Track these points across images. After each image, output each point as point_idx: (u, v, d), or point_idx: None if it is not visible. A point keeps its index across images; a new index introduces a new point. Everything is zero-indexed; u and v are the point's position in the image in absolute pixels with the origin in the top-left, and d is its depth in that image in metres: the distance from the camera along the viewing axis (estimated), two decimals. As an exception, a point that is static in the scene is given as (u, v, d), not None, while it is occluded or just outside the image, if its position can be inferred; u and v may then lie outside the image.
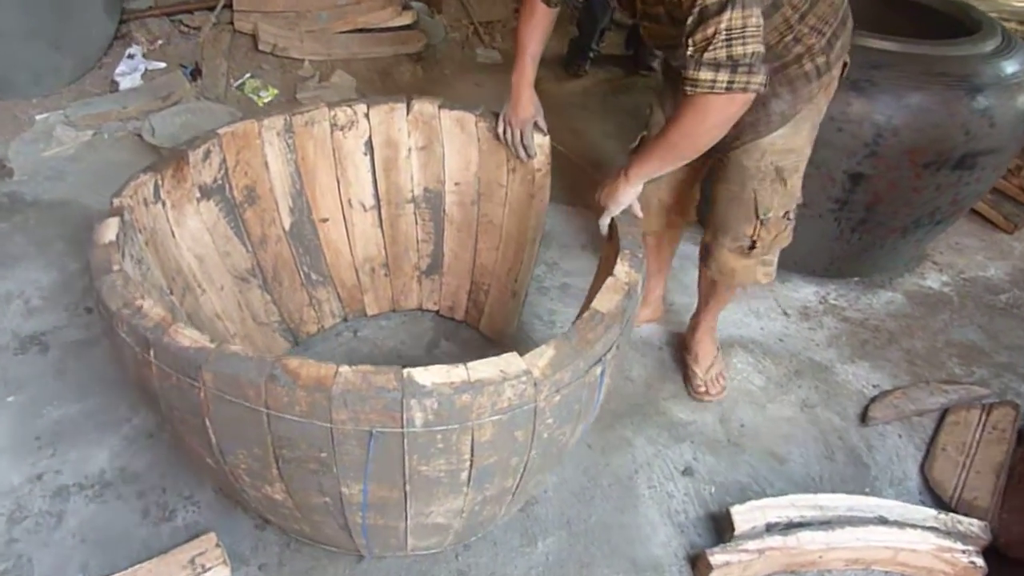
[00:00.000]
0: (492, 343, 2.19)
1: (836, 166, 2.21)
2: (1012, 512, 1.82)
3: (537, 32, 1.81)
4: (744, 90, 1.28)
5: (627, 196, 1.53)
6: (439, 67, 3.53)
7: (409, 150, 2.04)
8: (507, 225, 2.06)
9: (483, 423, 1.18)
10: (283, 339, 2.07)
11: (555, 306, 2.37)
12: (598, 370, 1.30)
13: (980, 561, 1.67)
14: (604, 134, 3.31)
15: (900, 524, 1.73)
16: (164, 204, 1.64)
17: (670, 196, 1.98)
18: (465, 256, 2.18)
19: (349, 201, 2.07)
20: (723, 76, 1.26)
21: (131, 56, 3.20)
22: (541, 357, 1.22)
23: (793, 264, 2.60)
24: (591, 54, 3.61)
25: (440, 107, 1.97)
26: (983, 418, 2.13)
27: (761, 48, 1.27)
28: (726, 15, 1.22)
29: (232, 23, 3.32)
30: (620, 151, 3.18)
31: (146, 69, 3.15)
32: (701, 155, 1.49)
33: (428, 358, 2.14)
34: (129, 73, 3.13)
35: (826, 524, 1.70)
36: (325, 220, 2.05)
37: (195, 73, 3.12)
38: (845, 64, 1.64)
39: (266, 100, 3.11)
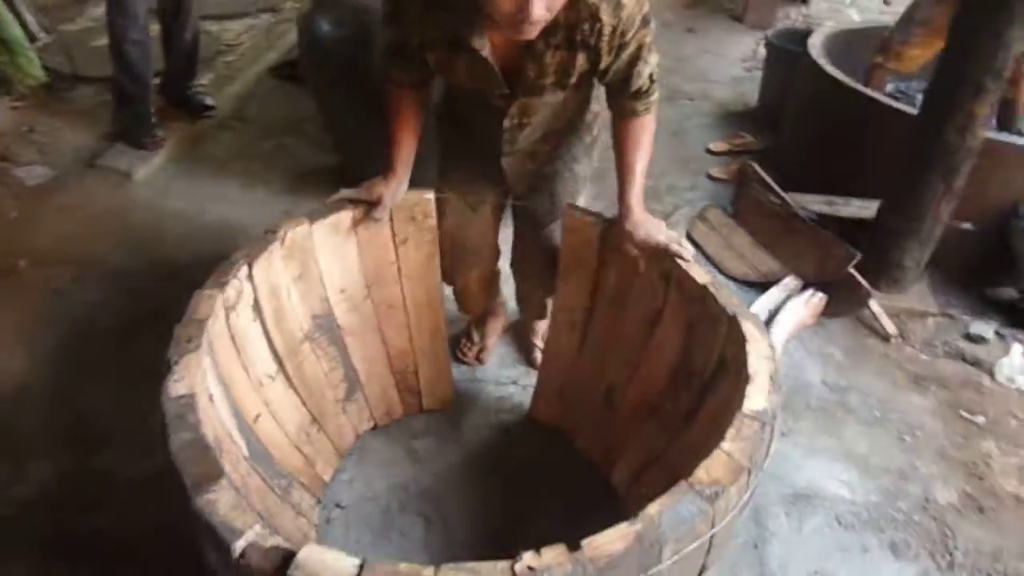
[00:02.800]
0: (446, 413, 2.09)
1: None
2: (786, 256, 2.66)
3: (408, 128, 1.68)
4: None
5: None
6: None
7: (288, 287, 1.71)
8: (411, 297, 1.94)
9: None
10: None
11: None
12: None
13: (820, 293, 2.46)
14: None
15: (780, 308, 2.40)
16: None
17: (487, 274, 2.06)
18: (377, 357, 1.97)
19: (260, 382, 1.66)
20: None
21: None
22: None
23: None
24: (153, 119, 3.09)
25: (311, 223, 1.69)
26: (700, 222, 2.93)
27: None
28: (652, 58, 1.52)
29: None
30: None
31: None
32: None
33: (426, 473, 1.93)
34: None
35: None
36: (257, 418, 1.62)
37: None
38: None
39: None
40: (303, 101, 3.66)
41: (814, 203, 2.78)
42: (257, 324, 1.64)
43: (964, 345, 2.42)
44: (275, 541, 1.06)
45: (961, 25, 2.19)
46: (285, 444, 1.74)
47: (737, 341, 1.45)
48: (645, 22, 1.44)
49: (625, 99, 1.57)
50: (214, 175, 3.07)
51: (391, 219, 1.80)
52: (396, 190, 1.72)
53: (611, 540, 1.04)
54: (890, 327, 2.44)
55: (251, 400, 1.62)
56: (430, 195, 1.80)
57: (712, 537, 1.13)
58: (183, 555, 1.65)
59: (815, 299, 2.46)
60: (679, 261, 1.60)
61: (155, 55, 3.04)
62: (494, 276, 2.01)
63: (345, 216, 1.74)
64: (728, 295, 1.53)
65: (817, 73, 3.05)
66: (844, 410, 2.17)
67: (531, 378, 2.12)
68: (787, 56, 3.57)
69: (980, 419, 2.17)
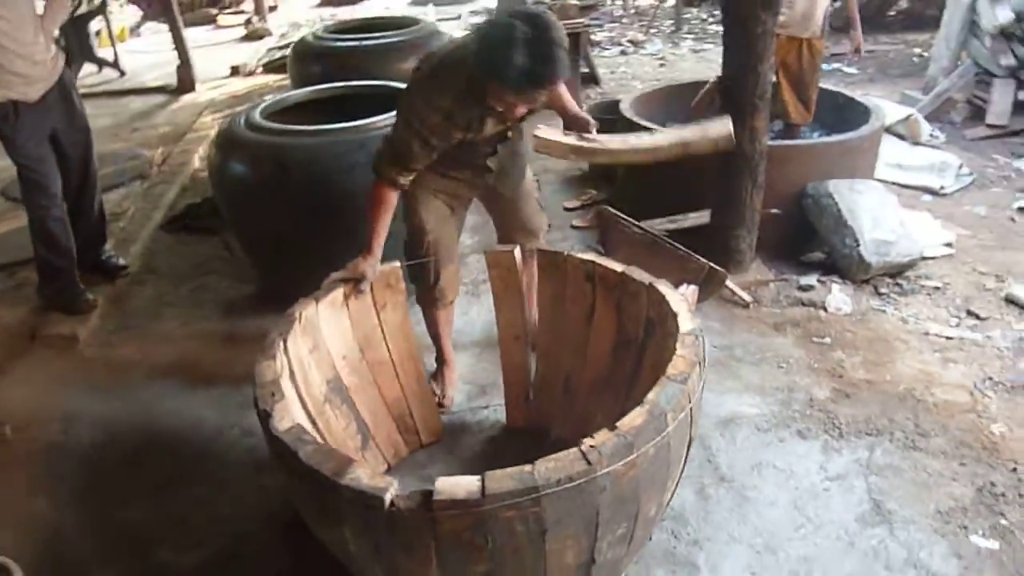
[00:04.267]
0: (440, 443, 2.49)
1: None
2: (655, 274, 3.33)
3: (388, 219, 2.21)
4: None
5: None
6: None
7: (307, 358, 2.10)
8: (396, 352, 2.37)
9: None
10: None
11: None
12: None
13: (691, 286, 3.13)
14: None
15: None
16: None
17: (456, 267, 2.60)
18: (378, 408, 2.36)
19: (305, 437, 2.01)
20: None
21: None
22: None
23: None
24: (80, 284, 3.31)
25: (317, 302, 2.11)
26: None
27: None
28: None
29: None
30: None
31: None
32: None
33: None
34: None
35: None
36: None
37: None
38: None
39: None
40: (201, 247, 4.03)
41: (661, 224, 3.52)
42: (293, 389, 2.01)
43: (800, 294, 3.19)
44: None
45: (731, 65, 3.02)
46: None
47: (658, 301, 2.04)
48: None
49: None
50: (150, 322, 3.32)
51: (371, 289, 2.25)
52: (374, 266, 2.18)
53: (634, 418, 1.55)
54: (746, 296, 3.16)
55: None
56: (397, 264, 2.28)
57: (691, 409, 1.66)
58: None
59: (688, 291, 3.12)
60: (597, 261, 2.19)
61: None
62: (457, 269, 2.62)
63: (338, 293, 2.18)
64: (640, 272, 2.12)
65: (632, 127, 3.86)
66: (734, 360, 2.81)
67: (500, 399, 2.58)
68: (604, 123, 4.40)
69: (827, 340, 2.89)
